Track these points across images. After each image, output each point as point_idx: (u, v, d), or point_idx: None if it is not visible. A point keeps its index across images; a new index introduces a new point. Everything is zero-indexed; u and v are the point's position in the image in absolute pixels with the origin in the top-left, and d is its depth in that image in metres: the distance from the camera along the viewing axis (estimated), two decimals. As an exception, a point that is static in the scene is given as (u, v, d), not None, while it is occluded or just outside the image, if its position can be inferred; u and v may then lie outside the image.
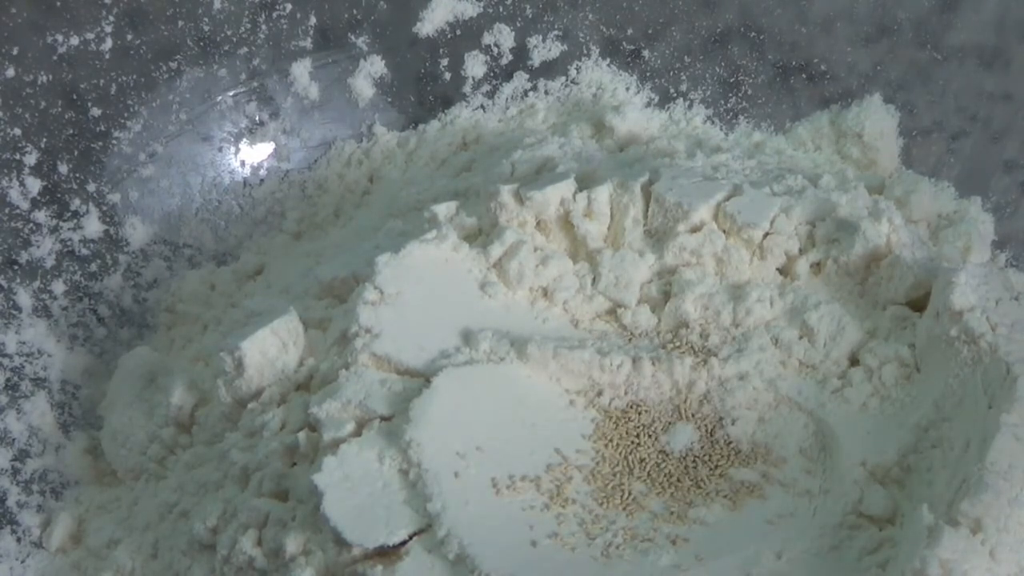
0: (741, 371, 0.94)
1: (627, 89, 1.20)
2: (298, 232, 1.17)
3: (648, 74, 1.20)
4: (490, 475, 0.87)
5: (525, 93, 1.20)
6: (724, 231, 1.00)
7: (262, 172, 1.19)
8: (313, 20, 1.18)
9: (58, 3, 1.10)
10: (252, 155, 1.19)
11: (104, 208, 1.12)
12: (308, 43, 1.18)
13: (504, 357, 0.93)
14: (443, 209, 1.03)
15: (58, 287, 1.09)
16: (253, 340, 0.95)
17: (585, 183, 1.03)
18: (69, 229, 1.10)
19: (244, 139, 1.19)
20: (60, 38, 1.10)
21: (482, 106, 1.20)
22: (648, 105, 1.20)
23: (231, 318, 1.08)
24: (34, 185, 1.09)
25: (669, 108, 1.20)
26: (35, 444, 1.03)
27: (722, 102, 1.19)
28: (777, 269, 1.00)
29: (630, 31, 1.19)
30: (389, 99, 1.21)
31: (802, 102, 1.18)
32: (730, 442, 0.92)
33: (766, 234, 0.99)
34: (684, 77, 1.19)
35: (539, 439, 0.91)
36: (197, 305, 1.12)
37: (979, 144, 1.15)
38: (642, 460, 0.91)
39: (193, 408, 1.00)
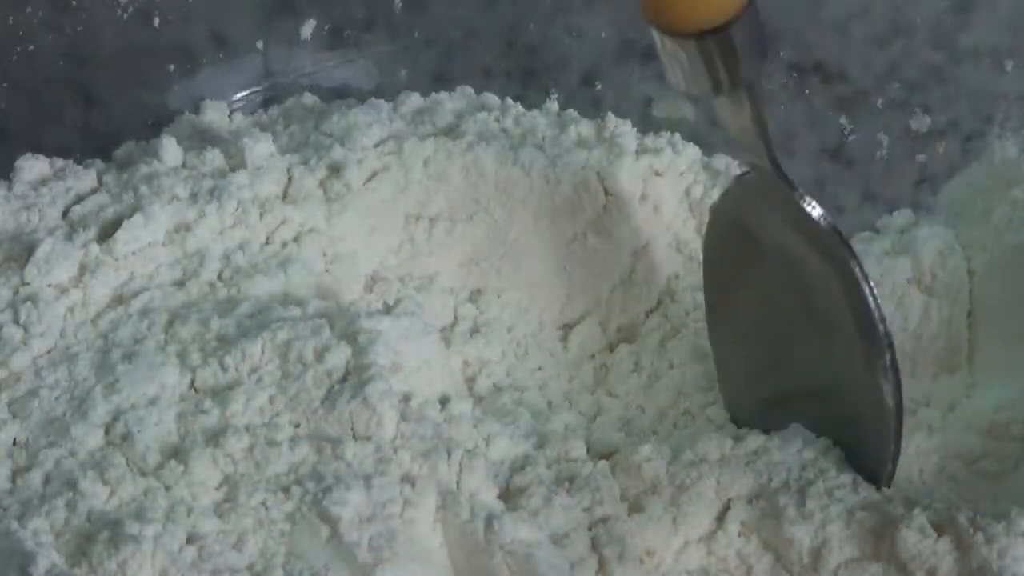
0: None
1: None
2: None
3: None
4: None
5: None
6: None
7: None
8: (328, 21, 1.18)
9: (74, 2, 1.10)
10: (265, 155, 1.19)
11: (118, 207, 1.13)
12: (322, 43, 1.18)
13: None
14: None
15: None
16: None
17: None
18: (82, 227, 1.11)
19: (257, 139, 1.19)
20: (75, 37, 1.10)
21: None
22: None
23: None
24: (47, 183, 1.09)
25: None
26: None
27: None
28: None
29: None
30: (403, 99, 1.21)
31: (816, 104, 1.18)
32: None
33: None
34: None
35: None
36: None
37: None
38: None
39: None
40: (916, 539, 0.79)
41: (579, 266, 1.02)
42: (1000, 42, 1.14)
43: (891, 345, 0.82)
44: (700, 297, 1.01)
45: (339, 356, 0.85)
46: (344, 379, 0.84)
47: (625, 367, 1.00)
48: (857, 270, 0.82)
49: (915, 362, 0.99)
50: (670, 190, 1.03)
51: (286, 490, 0.79)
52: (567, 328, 1.03)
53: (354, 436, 0.82)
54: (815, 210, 0.84)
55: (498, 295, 1.01)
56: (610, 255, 1.02)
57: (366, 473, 0.79)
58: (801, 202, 0.84)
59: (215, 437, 0.81)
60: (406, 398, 0.84)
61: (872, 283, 0.82)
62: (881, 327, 0.82)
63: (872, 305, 0.82)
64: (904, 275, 1.01)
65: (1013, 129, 1.12)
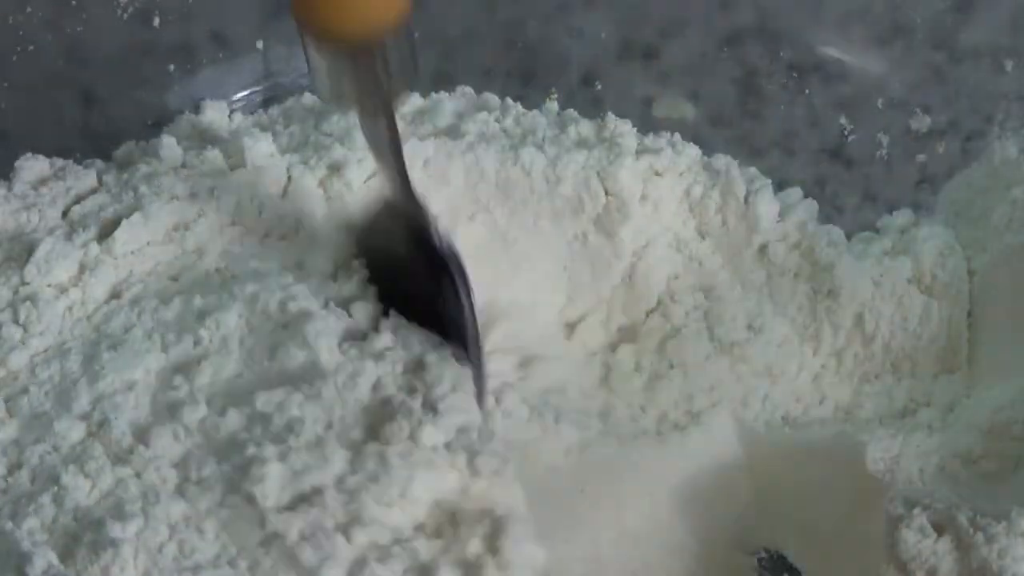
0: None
1: (641, 90, 1.20)
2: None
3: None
4: None
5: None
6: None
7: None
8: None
9: (74, 2, 1.10)
10: (265, 155, 1.19)
11: (117, 207, 1.13)
12: (322, 43, 1.18)
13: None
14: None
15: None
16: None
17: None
18: (82, 226, 1.11)
19: (258, 139, 1.19)
20: (75, 37, 1.10)
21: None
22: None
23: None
24: (47, 183, 1.09)
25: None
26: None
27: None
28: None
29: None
30: (403, 99, 1.21)
31: (816, 104, 1.18)
32: None
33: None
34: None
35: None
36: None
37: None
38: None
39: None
40: (916, 539, 0.79)
41: (579, 266, 1.03)
42: (1000, 42, 1.14)
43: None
44: (700, 297, 1.01)
45: (301, 303, 0.86)
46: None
47: (626, 367, 1.00)
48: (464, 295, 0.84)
49: (915, 362, 0.99)
50: (670, 190, 1.03)
51: (220, 463, 0.79)
52: (568, 328, 1.03)
53: (292, 385, 0.82)
54: (438, 235, 0.86)
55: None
56: (610, 255, 1.02)
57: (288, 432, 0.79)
58: (426, 227, 0.85)
59: (175, 411, 0.82)
60: (350, 335, 0.84)
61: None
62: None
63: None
64: (904, 275, 1.01)
65: (1013, 129, 1.11)
